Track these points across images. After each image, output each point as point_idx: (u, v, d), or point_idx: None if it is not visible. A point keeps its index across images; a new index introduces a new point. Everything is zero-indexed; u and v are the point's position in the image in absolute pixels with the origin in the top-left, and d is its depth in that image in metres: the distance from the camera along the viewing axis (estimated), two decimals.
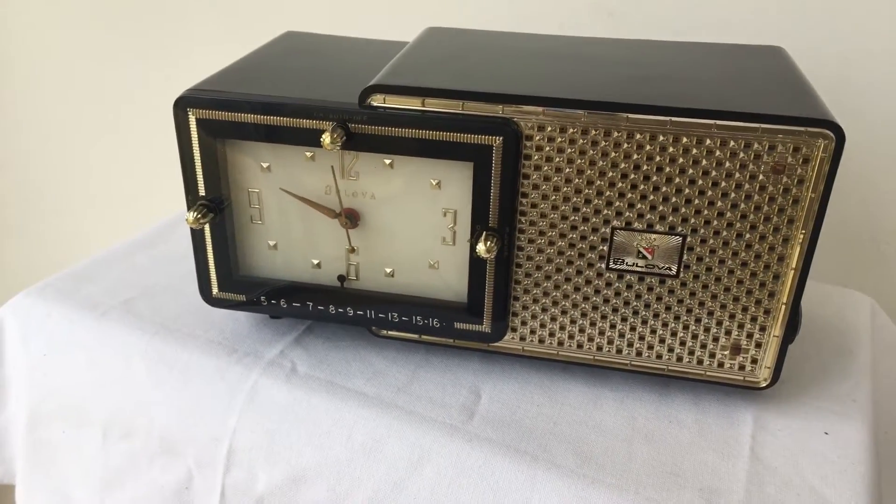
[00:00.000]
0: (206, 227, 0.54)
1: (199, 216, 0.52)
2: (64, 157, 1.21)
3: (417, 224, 0.52)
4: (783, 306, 0.50)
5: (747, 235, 0.48)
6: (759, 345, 0.51)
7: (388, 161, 0.50)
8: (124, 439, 0.58)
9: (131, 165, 1.16)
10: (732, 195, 0.47)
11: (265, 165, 0.52)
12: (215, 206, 0.53)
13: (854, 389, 0.56)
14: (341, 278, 0.56)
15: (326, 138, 0.47)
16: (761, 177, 0.46)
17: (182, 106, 0.50)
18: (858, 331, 0.63)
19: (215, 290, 0.56)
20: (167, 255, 0.69)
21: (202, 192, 0.52)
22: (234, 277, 0.56)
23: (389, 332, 0.57)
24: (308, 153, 0.51)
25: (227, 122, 0.50)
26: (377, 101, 0.48)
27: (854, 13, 0.72)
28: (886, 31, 0.72)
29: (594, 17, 0.78)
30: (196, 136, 0.51)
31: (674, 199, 0.47)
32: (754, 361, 0.52)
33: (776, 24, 0.74)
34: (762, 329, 0.51)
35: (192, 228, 0.53)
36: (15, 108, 1.21)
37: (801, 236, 0.47)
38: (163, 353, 0.58)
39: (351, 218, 0.53)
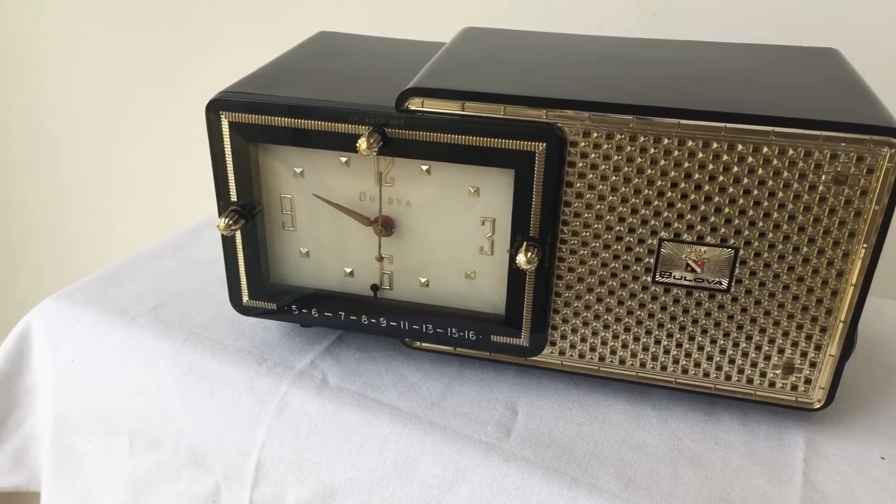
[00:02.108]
0: (238, 234, 0.52)
1: (230, 222, 0.50)
2: (94, 158, 1.21)
3: (454, 233, 0.50)
4: (841, 324, 0.47)
5: (804, 249, 0.45)
6: (813, 364, 0.49)
7: (425, 167, 0.49)
8: (151, 449, 0.57)
9: (161, 167, 1.15)
10: (790, 206, 0.44)
11: (298, 171, 0.51)
12: (247, 213, 0.51)
13: None
14: (374, 287, 0.54)
15: (363, 143, 0.45)
16: (821, 187, 0.43)
17: (214, 109, 0.49)
18: None
19: (246, 298, 0.55)
20: (197, 259, 0.68)
21: (234, 198, 0.51)
22: (265, 285, 0.54)
23: (423, 344, 0.55)
24: (343, 158, 0.49)
25: (260, 126, 0.49)
26: (415, 104, 0.47)
27: None
28: None
29: (637, 17, 0.75)
30: (228, 139, 0.49)
31: (727, 210, 0.45)
32: (808, 381, 0.49)
33: (825, 24, 0.71)
34: (817, 348, 0.48)
35: (222, 235, 0.52)
36: (46, 110, 1.21)
37: (863, 251, 0.44)
38: (192, 362, 0.56)
39: (386, 226, 0.51)
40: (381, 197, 0.50)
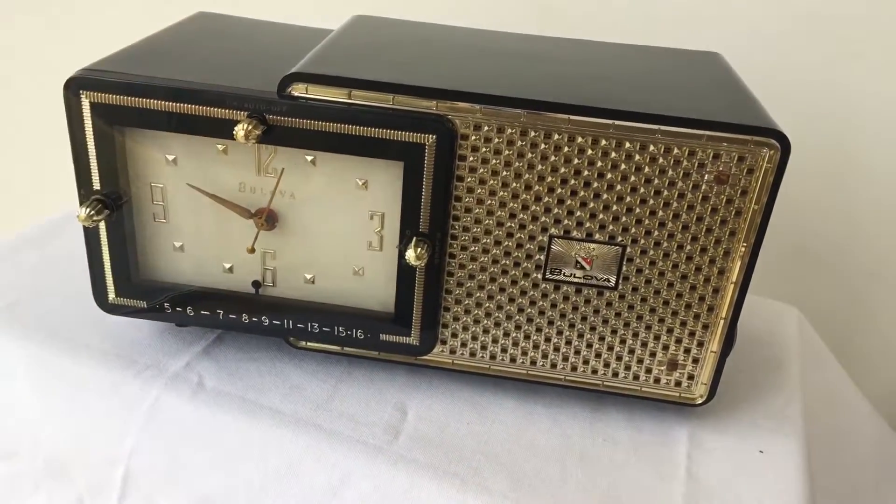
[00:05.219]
0: (102, 225, 0.48)
1: (92, 213, 0.46)
2: None
3: (341, 227, 0.48)
4: (722, 321, 0.48)
5: (688, 247, 0.46)
6: (696, 360, 0.49)
7: (309, 158, 0.46)
8: (5, 461, 0.52)
9: (21, 154, 1.06)
10: (674, 205, 0.45)
11: (171, 158, 0.47)
12: (112, 202, 0.47)
13: (786, 405, 0.55)
14: (256, 284, 0.51)
15: (240, 130, 0.42)
16: (704, 186, 0.44)
17: (74, 88, 0.44)
18: (787, 343, 0.63)
19: (112, 296, 0.51)
20: (59, 253, 0.62)
21: (97, 186, 0.47)
22: (133, 281, 0.50)
23: (309, 344, 0.53)
24: (220, 146, 0.46)
25: (126, 108, 0.44)
26: (299, 90, 0.44)
27: (782, 25, 0.72)
28: (806, 43, 0.73)
29: (533, 15, 0.75)
30: (90, 122, 0.45)
31: (614, 208, 0.45)
32: (691, 377, 0.50)
33: (709, 28, 0.73)
34: (700, 344, 0.49)
35: (84, 226, 0.47)
36: None
37: (743, 249, 0.45)
38: (51, 365, 0.51)
39: (268, 219, 0.48)
40: (275, 188, 0.47)
